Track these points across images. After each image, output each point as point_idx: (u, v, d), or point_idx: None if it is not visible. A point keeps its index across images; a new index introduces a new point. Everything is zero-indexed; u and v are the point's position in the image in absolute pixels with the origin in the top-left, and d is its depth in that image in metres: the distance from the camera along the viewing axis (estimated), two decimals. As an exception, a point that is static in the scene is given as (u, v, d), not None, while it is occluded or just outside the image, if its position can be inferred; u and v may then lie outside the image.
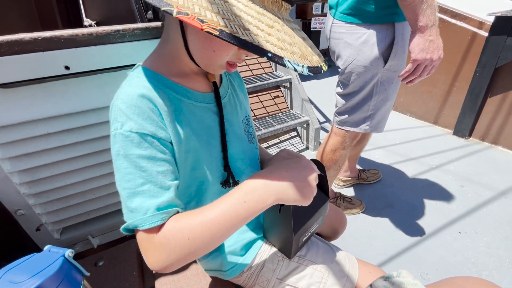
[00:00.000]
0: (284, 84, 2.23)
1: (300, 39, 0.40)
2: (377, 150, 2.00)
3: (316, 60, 0.40)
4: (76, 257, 0.39)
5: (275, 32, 0.36)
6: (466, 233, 1.33)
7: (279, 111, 2.22)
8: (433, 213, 1.45)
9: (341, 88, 1.09)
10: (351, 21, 0.94)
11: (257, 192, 0.40)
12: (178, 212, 0.42)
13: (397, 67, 0.96)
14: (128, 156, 0.39)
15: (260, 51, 0.32)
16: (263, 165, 0.65)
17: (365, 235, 1.36)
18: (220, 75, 0.56)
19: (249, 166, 0.58)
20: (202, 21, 0.30)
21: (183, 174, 0.48)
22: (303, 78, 3.44)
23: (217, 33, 0.30)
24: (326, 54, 4.26)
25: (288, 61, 0.34)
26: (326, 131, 2.29)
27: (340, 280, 0.54)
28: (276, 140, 2.21)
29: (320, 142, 2.06)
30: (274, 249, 0.58)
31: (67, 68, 0.59)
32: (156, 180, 0.40)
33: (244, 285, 0.59)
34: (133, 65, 0.48)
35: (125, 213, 0.40)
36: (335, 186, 1.66)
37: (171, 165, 0.43)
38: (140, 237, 0.40)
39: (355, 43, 0.95)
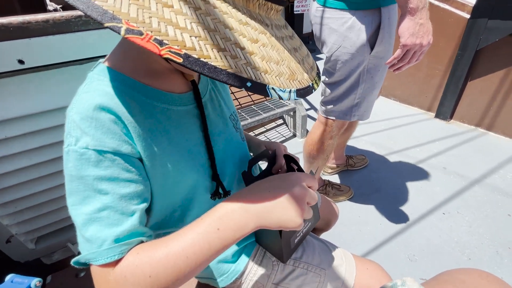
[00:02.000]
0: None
1: (289, 52, 0.34)
2: (363, 136, 2.01)
3: (307, 77, 0.34)
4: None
5: (260, 49, 0.29)
6: (449, 213, 1.38)
7: (264, 99, 2.16)
8: (418, 196, 1.49)
9: (327, 77, 1.05)
10: (336, 7, 0.89)
11: (234, 218, 0.34)
12: (142, 242, 0.36)
13: (383, 53, 0.93)
14: (83, 178, 0.33)
15: (237, 81, 0.26)
16: (257, 150, 0.61)
17: (354, 221, 1.38)
18: None
19: (241, 169, 0.52)
20: (161, 42, 0.23)
21: (163, 191, 0.42)
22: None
23: (180, 60, 0.23)
24: (311, 37, 4.20)
25: (273, 88, 0.28)
26: (313, 118, 2.27)
27: (338, 280, 0.53)
28: (263, 129, 2.17)
29: (307, 130, 2.05)
30: (268, 254, 0.55)
31: (21, 62, 0.51)
32: (117, 205, 0.34)
33: (238, 291, 0.56)
34: (104, 56, 0.41)
35: (80, 242, 0.35)
36: (323, 174, 1.66)
37: (138, 186, 0.37)
38: (94, 272, 0.34)
39: (341, 28, 0.90)
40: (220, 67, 0.25)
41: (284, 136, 2.08)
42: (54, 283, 0.75)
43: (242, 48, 0.27)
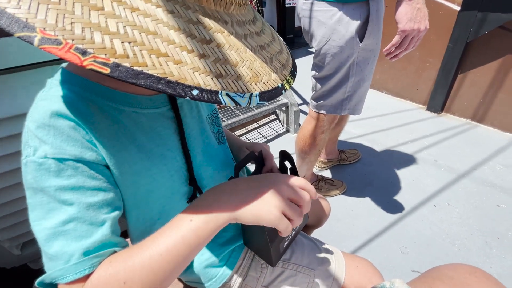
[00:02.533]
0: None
1: (253, 51, 0.30)
2: (355, 130, 2.01)
3: (275, 77, 0.31)
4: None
5: (213, 51, 0.25)
6: (440, 205, 1.39)
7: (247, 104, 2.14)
8: (410, 189, 1.50)
9: (316, 72, 1.04)
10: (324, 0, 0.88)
11: (206, 208, 0.32)
12: (114, 252, 0.33)
13: (372, 46, 0.93)
14: (44, 190, 0.31)
15: (180, 89, 0.22)
16: (238, 153, 0.59)
17: (347, 215, 1.38)
18: None
19: (221, 172, 0.51)
20: (84, 52, 0.20)
21: (136, 200, 0.40)
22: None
23: (107, 70, 0.21)
24: (302, 32, 4.16)
25: (227, 94, 0.25)
26: (306, 113, 2.26)
27: (328, 279, 0.53)
28: (255, 125, 2.15)
29: (300, 125, 2.04)
30: (257, 257, 0.54)
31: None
32: (85, 216, 0.32)
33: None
34: None
35: (44, 262, 0.31)
36: (316, 169, 1.66)
37: (107, 193, 0.34)
38: None
39: (329, 21, 0.89)
40: (158, 75, 0.22)
41: (277, 132, 2.07)
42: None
43: (190, 51, 0.24)
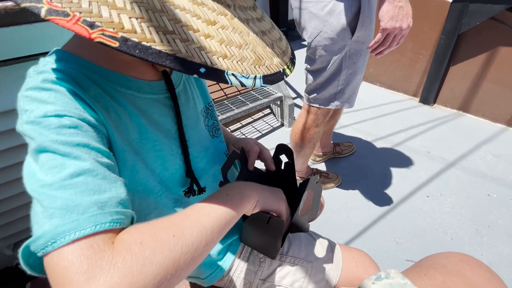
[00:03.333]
0: (254, 59, 2.11)
1: (256, 35, 0.30)
2: (349, 123, 2.02)
3: (277, 62, 0.31)
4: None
5: (218, 32, 0.26)
6: (433, 196, 1.42)
7: (250, 88, 2.13)
8: (404, 180, 1.52)
9: (309, 64, 1.04)
10: None
11: (240, 189, 0.37)
12: (133, 219, 0.29)
13: (364, 38, 0.92)
14: (45, 147, 0.26)
15: (187, 66, 0.22)
16: (228, 148, 0.59)
17: (342, 207, 1.40)
18: None
19: (214, 166, 0.51)
20: (92, 24, 0.20)
21: (133, 181, 0.39)
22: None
23: (116, 44, 0.21)
24: (296, 25, 4.12)
25: (233, 74, 0.25)
26: (300, 107, 2.26)
27: (325, 272, 0.53)
28: (250, 119, 2.14)
29: (295, 118, 2.04)
30: (254, 251, 0.54)
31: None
32: (97, 169, 0.27)
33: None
34: None
35: (39, 224, 0.24)
36: (311, 162, 1.67)
37: (111, 159, 0.31)
38: (69, 254, 0.22)
39: (321, 13, 0.88)
40: (166, 51, 0.22)
41: (272, 126, 2.07)
42: (35, 288, 0.72)
43: (196, 31, 0.24)
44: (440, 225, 1.28)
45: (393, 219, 1.32)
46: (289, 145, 1.34)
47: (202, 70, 0.23)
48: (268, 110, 2.23)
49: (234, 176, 0.56)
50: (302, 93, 2.49)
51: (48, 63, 0.33)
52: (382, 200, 1.42)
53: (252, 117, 2.16)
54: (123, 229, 0.26)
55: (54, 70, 0.31)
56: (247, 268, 0.53)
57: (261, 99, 1.94)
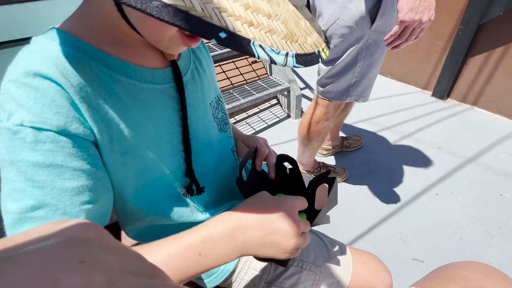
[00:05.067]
0: (261, 47, 2.04)
1: (290, 7, 0.26)
2: (358, 116, 1.96)
3: (311, 42, 0.27)
4: None
5: None
6: (442, 194, 1.38)
7: (257, 78, 2.07)
8: (413, 176, 1.48)
9: None
10: None
11: (219, 245, 0.30)
12: None
13: (384, 27, 0.85)
14: (15, 164, 0.26)
15: (203, 28, 0.19)
16: (236, 144, 0.56)
17: (348, 202, 1.37)
18: None
19: (217, 163, 0.47)
20: None
21: (126, 183, 0.36)
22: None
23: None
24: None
25: (261, 46, 0.21)
26: (308, 98, 2.20)
27: (334, 276, 0.50)
28: (256, 110, 2.10)
29: (302, 110, 1.98)
30: None
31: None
32: (57, 203, 0.27)
33: (229, 288, 0.53)
34: None
35: None
36: (318, 156, 1.63)
37: (89, 178, 0.29)
38: None
39: None
40: (177, 5, 0.18)
41: (278, 117, 2.02)
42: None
43: None
44: (448, 224, 1.25)
45: (400, 216, 1.29)
46: (297, 137, 1.30)
47: (222, 35, 0.20)
48: (274, 101, 2.18)
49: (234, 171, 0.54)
50: (311, 84, 2.43)
51: (40, 42, 0.30)
52: (390, 196, 1.39)
53: (258, 107, 2.12)
54: None
55: (42, 55, 0.28)
56: (252, 270, 0.50)
57: (268, 89, 1.89)
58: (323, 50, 0.28)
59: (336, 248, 0.56)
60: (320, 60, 0.27)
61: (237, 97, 1.81)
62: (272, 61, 0.22)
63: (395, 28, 0.72)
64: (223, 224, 0.31)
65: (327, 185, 0.46)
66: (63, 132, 0.27)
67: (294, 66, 0.24)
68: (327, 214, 0.44)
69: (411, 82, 2.28)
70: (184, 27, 0.19)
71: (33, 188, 0.27)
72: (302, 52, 0.25)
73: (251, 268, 0.50)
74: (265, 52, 0.22)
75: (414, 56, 2.17)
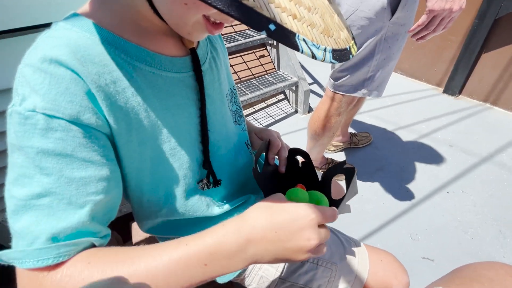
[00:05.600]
0: (270, 41, 2.01)
1: (325, 1, 0.26)
2: (367, 112, 1.93)
3: (343, 37, 0.26)
4: None
5: None
6: (454, 193, 1.35)
7: (265, 72, 2.04)
8: (423, 174, 1.46)
9: None
10: None
11: (227, 256, 0.28)
12: (93, 245, 0.29)
13: (405, 19, 0.82)
14: (23, 149, 0.26)
15: (255, 19, 0.19)
16: (249, 137, 0.55)
17: (357, 199, 1.35)
18: None
19: (233, 155, 0.46)
20: None
21: (142, 174, 0.36)
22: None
23: None
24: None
25: (304, 40, 0.21)
26: (316, 93, 2.17)
27: (350, 274, 0.49)
28: (263, 105, 2.08)
29: (309, 105, 1.96)
30: None
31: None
32: (63, 192, 0.26)
33: (244, 284, 0.52)
34: None
35: (12, 234, 0.27)
36: (326, 152, 1.61)
37: (99, 169, 0.29)
38: (21, 277, 0.27)
39: None
40: None
41: (286, 112, 2.00)
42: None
43: None
44: (460, 223, 1.22)
45: (410, 214, 1.27)
46: (306, 133, 1.28)
47: (272, 27, 0.20)
48: (282, 96, 2.15)
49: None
50: (319, 79, 2.39)
51: (59, 29, 0.29)
52: (399, 194, 1.36)
53: (265, 102, 2.10)
54: (69, 259, 0.27)
55: (60, 41, 0.27)
56: (266, 265, 0.49)
57: (276, 83, 1.86)
58: (352, 47, 0.28)
59: (352, 245, 0.54)
60: (350, 56, 0.27)
61: (245, 92, 1.79)
62: (313, 56, 0.22)
63: (423, 18, 0.69)
64: (234, 236, 0.28)
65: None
66: (75, 122, 0.27)
67: (330, 62, 0.23)
68: (347, 203, 0.43)
69: (422, 78, 2.23)
70: (236, 17, 0.18)
71: (41, 175, 0.26)
72: (337, 47, 0.25)
73: (265, 264, 0.49)
74: (308, 46, 0.21)
75: (425, 52, 2.11)
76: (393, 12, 0.80)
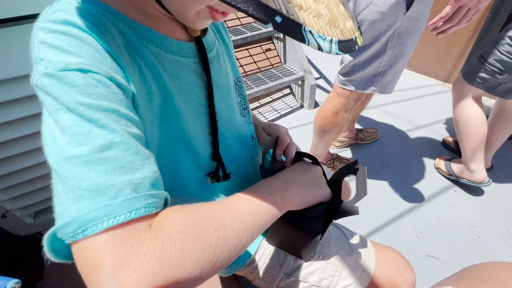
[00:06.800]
0: (276, 34, 1.98)
1: None
2: (374, 107, 1.90)
3: (349, 27, 0.26)
4: None
5: None
6: (461, 191, 1.34)
7: (271, 66, 2.02)
8: (429, 172, 1.44)
9: None
10: None
11: (281, 190, 0.35)
12: (165, 204, 0.26)
13: (420, 14, 0.78)
14: (69, 108, 0.22)
15: (262, 11, 0.18)
16: (256, 131, 0.54)
17: (361, 196, 1.34)
18: None
19: (239, 147, 0.45)
20: None
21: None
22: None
23: None
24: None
25: (310, 31, 0.20)
26: (322, 88, 2.14)
27: (356, 271, 0.49)
28: (268, 99, 2.06)
29: (315, 100, 1.94)
30: None
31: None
32: (129, 142, 0.23)
33: (248, 277, 0.52)
34: None
35: (65, 203, 0.21)
36: (332, 147, 1.60)
37: (140, 128, 0.27)
38: (102, 242, 0.20)
39: None
40: None
41: (291, 107, 1.98)
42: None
43: None
44: (466, 222, 1.21)
45: (415, 211, 1.26)
46: (312, 128, 1.27)
47: (278, 19, 0.19)
48: (287, 90, 2.13)
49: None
50: (326, 73, 2.35)
51: (65, 3, 0.27)
52: (405, 191, 1.35)
53: (271, 96, 2.08)
54: (158, 212, 0.24)
55: (71, 10, 0.26)
56: (271, 260, 0.49)
57: (282, 78, 1.84)
58: (358, 37, 0.27)
59: (358, 242, 0.54)
60: (356, 47, 0.26)
61: (250, 86, 1.78)
62: (319, 48, 0.21)
63: (447, 9, 0.64)
64: (277, 177, 0.38)
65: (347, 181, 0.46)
66: (111, 79, 0.25)
67: (336, 53, 0.23)
68: (355, 205, 0.43)
69: (431, 74, 2.18)
70: (242, 9, 0.18)
71: (99, 128, 0.22)
72: (343, 38, 0.24)
73: (270, 257, 0.49)
74: (314, 38, 0.21)
75: (435, 47, 2.07)
76: (408, 6, 0.76)
